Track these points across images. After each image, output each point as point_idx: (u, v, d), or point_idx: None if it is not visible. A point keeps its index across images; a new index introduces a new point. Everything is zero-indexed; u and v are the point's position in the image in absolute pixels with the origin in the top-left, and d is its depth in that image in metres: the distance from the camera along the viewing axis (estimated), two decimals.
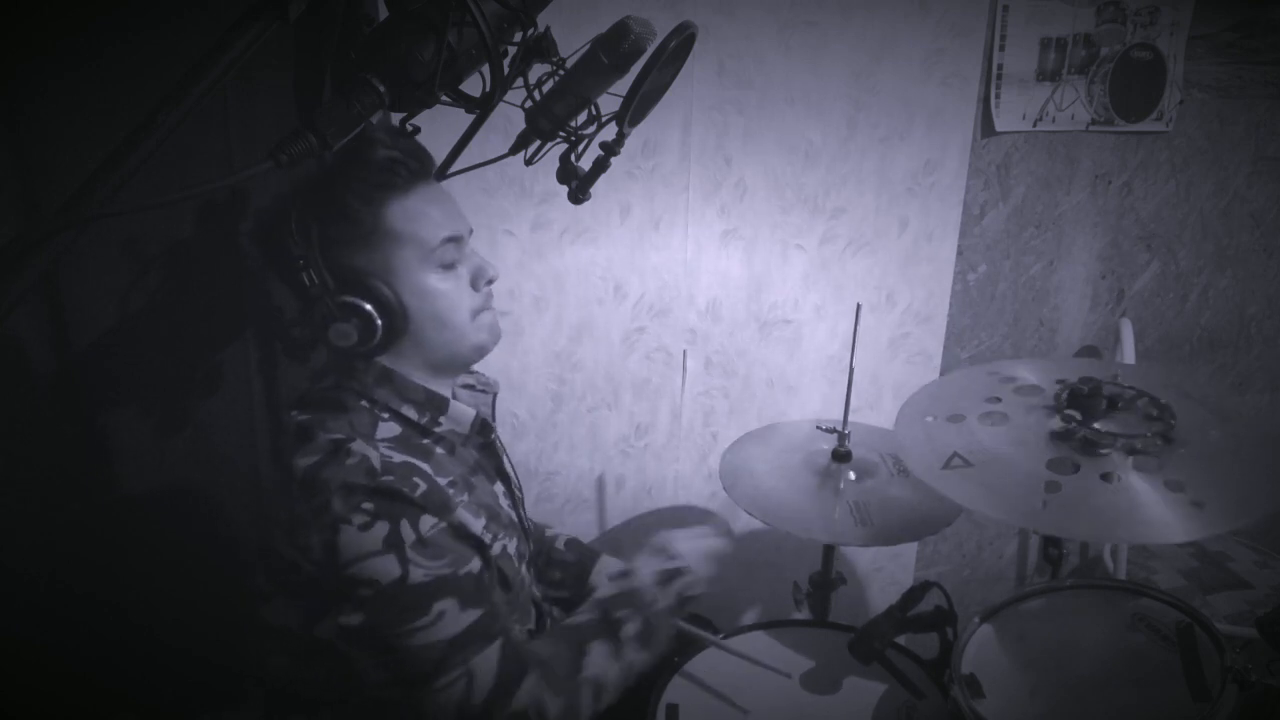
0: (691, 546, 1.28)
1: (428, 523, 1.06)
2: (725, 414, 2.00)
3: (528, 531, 1.33)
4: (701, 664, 1.37)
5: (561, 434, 1.92)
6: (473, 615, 1.06)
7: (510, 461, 1.39)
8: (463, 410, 1.19)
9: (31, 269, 0.74)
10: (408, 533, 1.04)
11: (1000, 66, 1.94)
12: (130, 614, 1.42)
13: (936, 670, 1.31)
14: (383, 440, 1.11)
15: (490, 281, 1.19)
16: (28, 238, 0.74)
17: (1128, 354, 2.16)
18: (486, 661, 1.06)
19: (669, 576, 1.24)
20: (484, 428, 1.23)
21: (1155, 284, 2.29)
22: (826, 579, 1.66)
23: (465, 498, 1.14)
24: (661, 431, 1.98)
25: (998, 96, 1.95)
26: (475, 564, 1.10)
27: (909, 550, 2.27)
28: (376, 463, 1.06)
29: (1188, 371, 2.40)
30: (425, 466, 1.11)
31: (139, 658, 1.44)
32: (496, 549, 1.16)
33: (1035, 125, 2.01)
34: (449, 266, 1.15)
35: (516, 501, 1.31)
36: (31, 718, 1.37)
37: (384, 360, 1.15)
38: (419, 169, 1.12)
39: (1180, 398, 1.35)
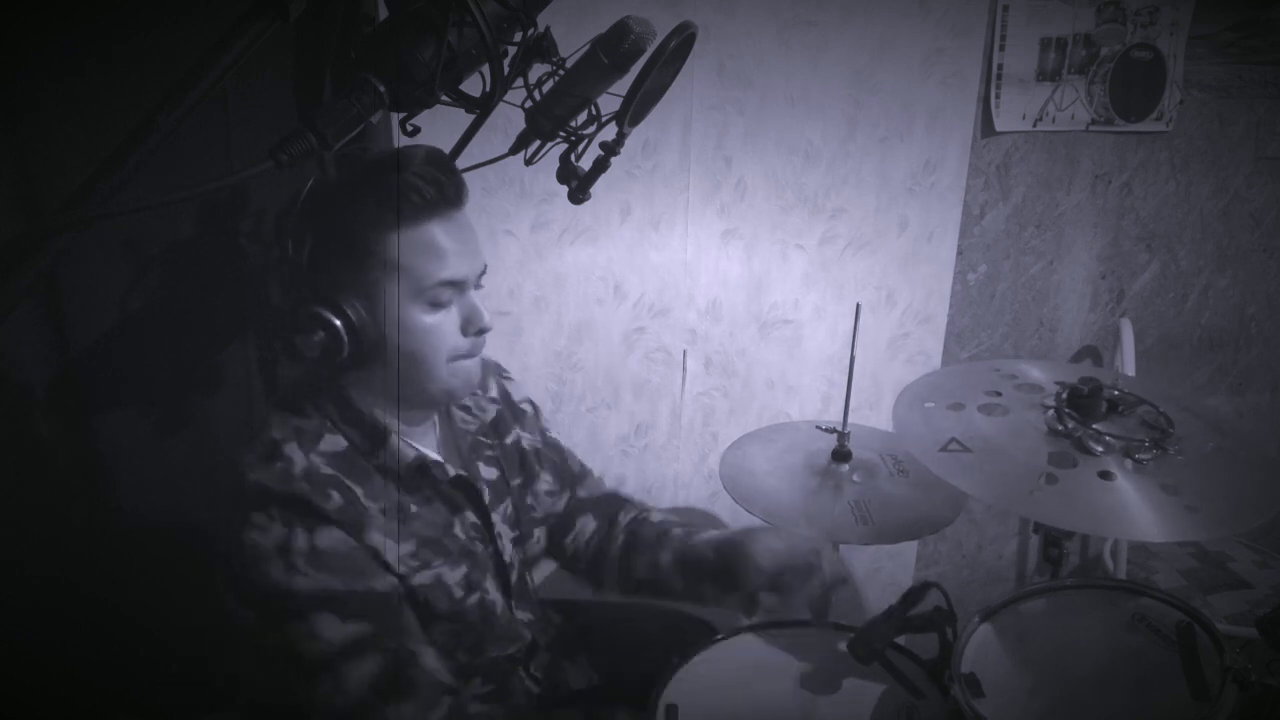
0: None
1: (327, 536, 1.05)
2: (725, 414, 2.00)
3: (509, 564, 1.28)
4: (701, 664, 1.37)
5: (561, 434, 1.91)
6: (355, 629, 1.05)
7: (523, 496, 1.35)
8: (402, 450, 1.15)
9: (32, 268, 0.74)
10: (301, 541, 1.03)
11: (1000, 66, 1.94)
12: (131, 614, 1.42)
13: (936, 670, 1.31)
14: (323, 453, 1.10)
15: (481, 332, 1.15)
16: (28, 237, 0.74)
17: (1128, 354, 2.16)
18: (360, 673, 1.05)
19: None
20: (421, 470, 1.17)
21: (1155, 284, 2.29)
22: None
23: (392, 524, 1.12)
24: (661, 431, 1.98)
25: (998, 96, 1.95)
26: (379, 583, 1.08)
27: (909, 550, 2.28)
28: (298, 469, 1.06)
29: (1187, 381, 2.40)
30: (356, 488, 1.10)
31: (140, 658, 1.44)
32: (424, 578, 1.13)
33: (1035, 125, 2.01)
34: (439, 305, 1.11)
35: (496, 535, 1.26)
36: (32, 718, 1.37)
37: (348, 380, 1.13)
38: (437, 200, 1.07)
39: (1179, 410, 1.36)
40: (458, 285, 1.12)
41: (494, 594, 1.24)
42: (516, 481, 1.35)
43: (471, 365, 1.17)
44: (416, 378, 1.13)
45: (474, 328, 1.14)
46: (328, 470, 1.09)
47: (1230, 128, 2.19)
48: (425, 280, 1.09)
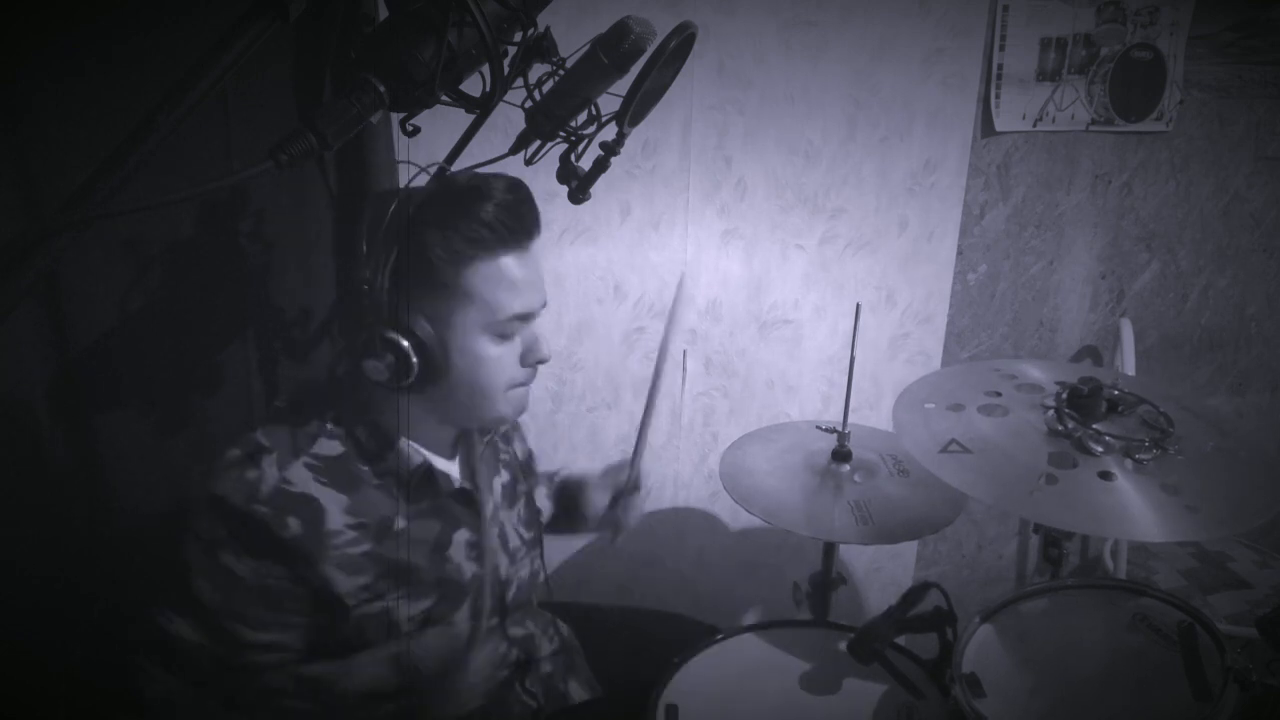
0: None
1: (248, 565, 1.05)
2: (725, 414, 2.00)
3: (501, 583, 1.25)
4: (701, 664, 1.37)
5: (561, 434, 1.92)
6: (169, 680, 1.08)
7: (524, 505, 1.35)
8: (411, 454, 1.15)
9: (32, 268, 0.74)
10: (227, 556, 1.05)
11: (1000, 66, 1.93)
12: (131, 614, 1.42)
13: (936, 670, 1.31)
14: (312, 457, 1.09)
15: (539, 362, 1.15)
16: (28, 237, 0.74)
17: (1128, 354, 2.16)
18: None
19: None
20: (426, 479, 1.16)
21: (1155, 284, 2.29)
22: (826, 579, 1.66)
23: (363, 548, 1.09)
24: (661, 431, 1.98)
25: (998, 96, 1.95)
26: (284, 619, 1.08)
27: (909, 550, 2.27)
28: (269, 486, 1.05)
29: (1188, 381, 2.40)
30: (337, 501, 1.08)
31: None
32: (372, 608, 1.10)
33: (1035, 125, 2.01)
34: (506, 337, 1.11)
35: (487, 551, 1.23)
36: (31, 718, 1.37)
37: (381, 399, 1.12)
38: (516, 230, 1.07)
39: (1179, 410, 1.36)
40: (526, 319, 1.12)
41: (463, 625, 1.19)
42: (524, 487, 1.36)
43: (524, 393, 1.17)
44: (476, 404, 1.13)
45: (534, 358, 1.14)
46: (303, 487, 1.07)
47: (1230, 128, 2.18)
48: (498, 313, 1.08)
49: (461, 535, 1.20)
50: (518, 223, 1.07)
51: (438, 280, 1.06)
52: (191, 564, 1.06)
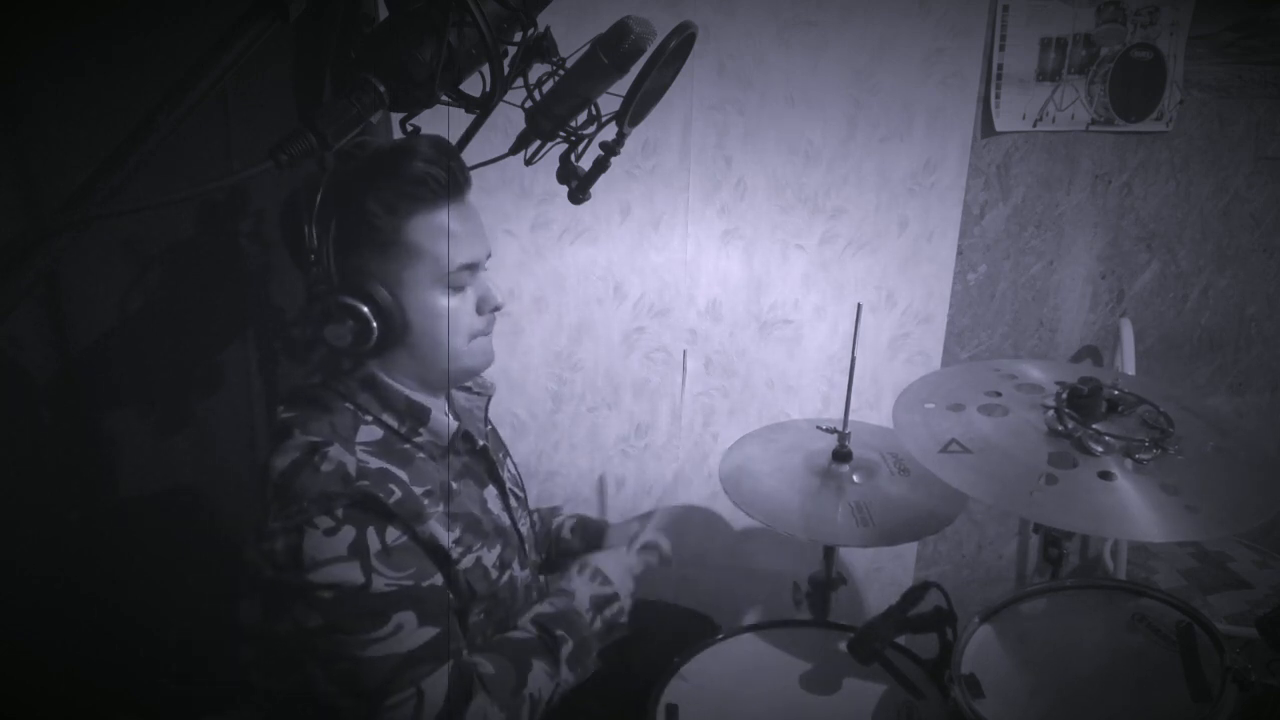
0: (622, 569, 1.33)
1: (393, 533, 1.06)
2: (725, 414, 2.00)
3: (524, 537, 1.33)
4: (701, 664, 1.37)
5: (561, 434, 1.92)
6: (429, 632, 1.06)
7: (513, 462, 1.39)
8: (443, 422, 1.19)
9: (32, 268, 0.74)
10: (373, 541, 1.04)
11: (1000, 66, 1.93)
12: (131, 614, 1.42)
13: (936, 670, 1.31)
14: (363, 444, 1.11)
15: (495, 309, 1.20)
16: (28, 238, 0.74)
17: (1128, 354, 2.16)
18: (437, 683, 1.06)
19: (601, 603, 1.27)
20: (466, 439, 1.23)
21: (1155, 284, 2.29)
22: (826, 579, 1.66)
23: (440, 508, 1.14)
24: (661, 431, 1.98)
25: (998, 96, 1.95)
26: (438, 578, 1.11)
27: (909, 550, 2.27)
28: (352, 468, 1.07)
29: (1188, 381, 2.40)
30: (403, 474, 1.11)
31: (140, 658, 1.44)
32: (467, 562, 1.16)
33: (1035, 125, 2.01)
34: (458, 288, 1.15)
35: (510, 507, 1.31)
36: (32, 718, 1.37)
37: (375, 365, 1.15)
38: (450, 186, 1.11)
39: (1179, 410, 1.36)
40: (473, 268, 1.16)
41: (518, 569, 1.27)
42: (501, 453, 1.39)
43: (487, 343, 1.21)
44: (439, 358, 1.16)
45: (489, 306, 1.19)
46: (377, 463, 1.10)
47: (1230, 128, 2.18)
48: (444, 264, 1.12)
49: (490, 490, 1.27)
50: (450, 176, 1.11)
51: (382, 240, 1.09)
52: (345, 575, 1.03)
